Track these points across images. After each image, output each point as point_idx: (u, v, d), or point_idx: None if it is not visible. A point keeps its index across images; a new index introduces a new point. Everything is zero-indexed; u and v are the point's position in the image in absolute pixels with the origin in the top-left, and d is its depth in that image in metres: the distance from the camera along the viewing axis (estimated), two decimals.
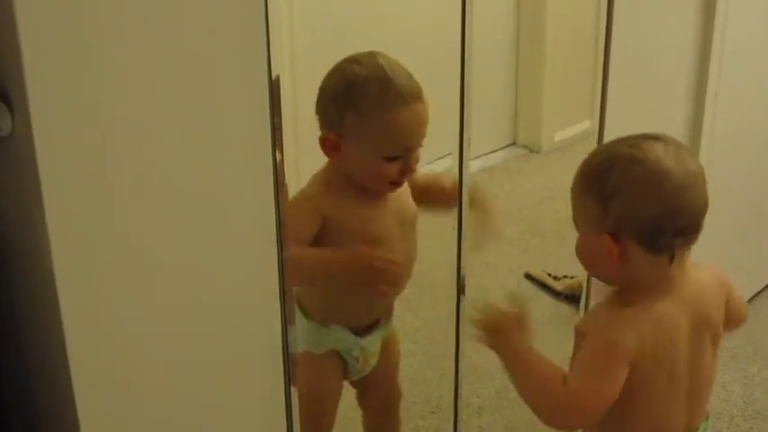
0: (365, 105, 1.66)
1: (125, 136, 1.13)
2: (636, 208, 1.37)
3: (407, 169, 1.72)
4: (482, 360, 2.51)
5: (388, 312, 1.95)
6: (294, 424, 1.45)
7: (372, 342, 1.93)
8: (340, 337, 1.88)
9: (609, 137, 1.89)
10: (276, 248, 1.33)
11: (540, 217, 3.25)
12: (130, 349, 1.22)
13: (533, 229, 3.20)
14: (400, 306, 1.98)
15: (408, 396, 2.15)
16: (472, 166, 2.63)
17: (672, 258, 1.40)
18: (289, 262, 1.45)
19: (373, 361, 1.97)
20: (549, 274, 2.94)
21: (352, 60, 1.69)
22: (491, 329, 1.51)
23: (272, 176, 1.29)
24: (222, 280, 1.29)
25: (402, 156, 1.70)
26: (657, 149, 1.38)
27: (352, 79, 1.67)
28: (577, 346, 1.46)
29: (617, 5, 1.87)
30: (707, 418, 1.55)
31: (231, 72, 1.21)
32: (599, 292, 1.55)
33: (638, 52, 2.01)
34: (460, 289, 1.80)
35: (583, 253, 1.46)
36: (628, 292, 1.44)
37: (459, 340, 1.86)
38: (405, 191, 1.84)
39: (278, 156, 1.28)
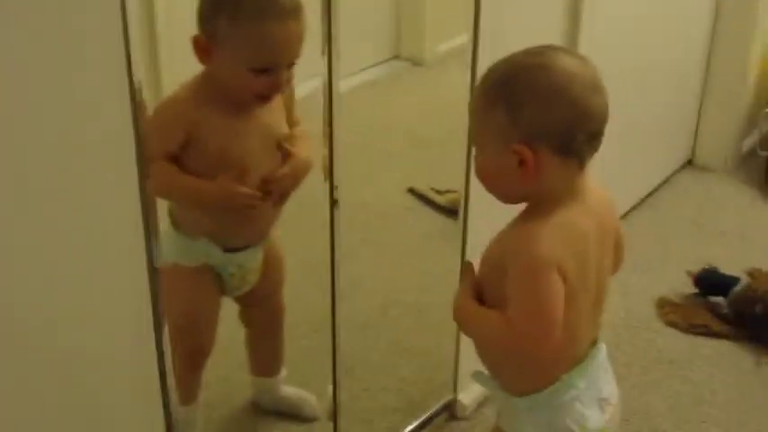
0: (238, 13, 1.62)
1: None
2: (548, 113, 1.34)
3: (275, 86, 1.70)
4: (365, 275, 2.53)
5: (263, 233, 1.91)
6: (164, 339, 1.41)
7: (248, 259, 1.91)
8: (210, 252, 1.85)
9: (485, 48, 1.88)
10: (136, 165, 1.27)
11: (423, 131, 3.22)
12: None
13: (417, 144, 3.18)
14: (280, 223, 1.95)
15: (290, 315, 2.13)
16: (355, 79, 2.60)
17: (582, 164, 1.39)
18: (153, 176, 1.39)
19: (252, 278, 1.94)
20: (433, 189, 2.94)
21: None
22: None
23: (127, 86, 1.22)
24: (79, 192, 1.22)
25: (271, 70, 1.67)
26: (561, 57, 1.37)
27: None
28: (493, 274, 1.43)
29: None
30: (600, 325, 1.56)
31: None
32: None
33: None
34: (333, 202, 1.77)
35: (487, 170, 1.42)
36: (538, 206, 1.40)
37: (335, 255, 1.83)
38: (279, 111, 1.82)
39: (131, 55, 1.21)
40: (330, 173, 1.75)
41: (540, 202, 1.40)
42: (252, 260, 1.91)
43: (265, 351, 2.16)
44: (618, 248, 1.53)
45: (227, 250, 1.85)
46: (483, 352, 1.52)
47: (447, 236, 2.24)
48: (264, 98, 1.72)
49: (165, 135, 1.69)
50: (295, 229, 2.12)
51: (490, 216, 2.04)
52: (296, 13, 1.65)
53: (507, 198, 1.43)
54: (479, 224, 2.05)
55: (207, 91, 1.72)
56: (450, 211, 2.78)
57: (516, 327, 1.34)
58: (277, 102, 1.79)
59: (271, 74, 1.67)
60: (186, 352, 1.88)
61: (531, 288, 1.34)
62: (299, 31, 1.67)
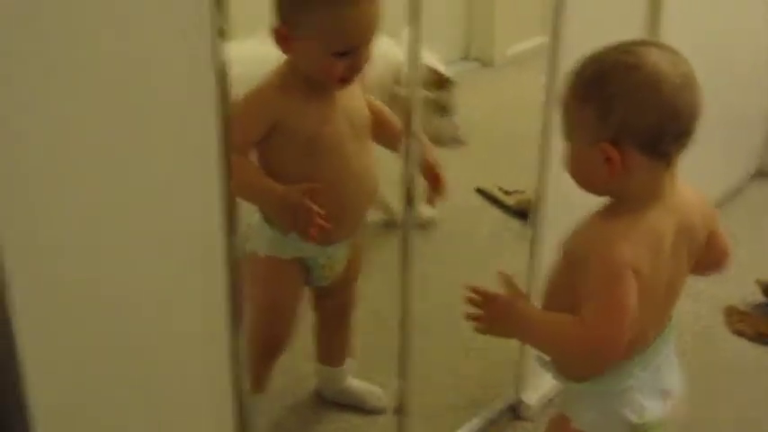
0: (317, 0, 1.66)
1: None
2: (637, 113, 1.33)
3: (356, 66, 1.73)
4: (433, 273, 2.53)
5: (354, 228, 1.93)
6: (239, 328, 1.42)
7: (339, 250, 1.92)
8: (303, 246, 1.85)
9: (565, 51, 1.86)
10: (218, 160, 1.28)
11: (492, 132, 3.21)
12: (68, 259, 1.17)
13: (485, 144, 3.17)
14: None
15: (360, 309, 2.14)
16: None
17: (669, 164, 1.39)
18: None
19: (340, 268, 1.96)
20: (501, 189, 2.93)
21: None
22: (491, 318, 1.48)
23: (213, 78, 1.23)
24: (159, 188, 1.23)
25: (350, 52, 1.70)
26: (652, 54, 1.35)
27: None
28: (569, 269, 1.43)
29: None
30: (670, 319, 1.54)
31: None
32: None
33: None
34: (409, 200, 1.77)
35: (577, 165, 1.43)
36: (621, 203, 1.41)
37: (407, 252, 1.83)
38: (357, 95, 1.84)
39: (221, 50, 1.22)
40: (406, 171, 1.75)
41: (623, 200, 1.40)
42: (342, 251, 1.93)
43: (334, 340, 2.17)
44: (712, 247, 1.52)
45: (322, 243, 1.86)
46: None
47: (513, 236, 2.24)
48: (347, 80, 1.75)
49: (251, 125, 1.72)
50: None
51: (562, 220, 2.03)
52: None
53: (592, 191, 1.43)
54: (551, 227, 2.03)
55: (291, 79, 1.75)
56: (517, 212, 2.78)
57: (591, 328, 1.34)
58: (356, 86, 1.82)
59: (351, 55, 1.70)
60: (264, 342, 1.92)
61: (610, 290, 1.34)
62: (374, 12, 1.70)
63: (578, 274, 1.37)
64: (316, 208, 1.72)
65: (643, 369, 1.47)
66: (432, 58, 2.59)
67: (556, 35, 1.88)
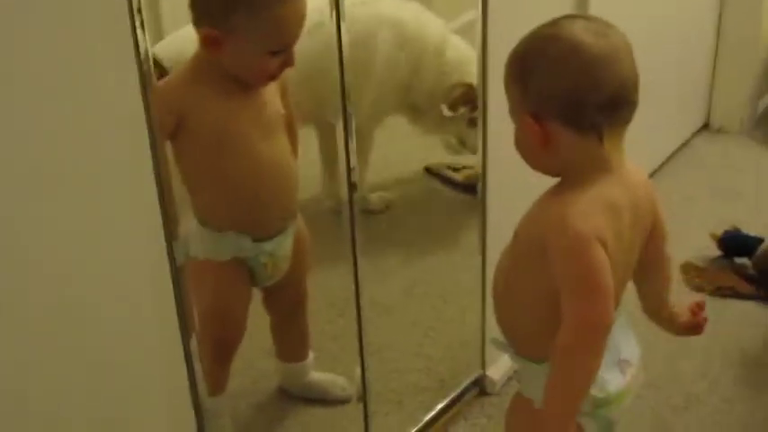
0: (252, 2, 1.67)
1: None
2: (551, 83, 1.32)
3: (288, 63, 1.75)
4: (387, 257, 2.52)
5: (290, 216, 1.91)
6: (190, 333, 1.42)
7: (279, 246, 1.90)
8: (240, 245, 1.85)
9: (494, 26, 1.87)
10: (151, 162, 1.27)
11: None
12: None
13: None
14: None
15: (316, 300, 2.13)
16: None
17: (600, 137, 1.35)
18: None
19: (284, 266, 1.94)
20: (449, 167, 2.92)
21: None
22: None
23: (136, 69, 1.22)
24: (94, 197, 1.22)
25: (283, 51, 1.72)
26: (575, 25, 1.34)
27: None
28: (529, 254, 1.39)
29: None
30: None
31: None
32: None
33: None
34: (352, 185, 1.77)
35: (516, 141, 1.41)
36: (566, 180, 1.39)
37: (355, 237, 1.83)
38: (272, 91, 1.84)
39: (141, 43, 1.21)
40: (346, 156, 1.75)
41: (568, 177, 1.38)
42: (283, 247, 1.91)
43: (292, 337, 2.15)
44: (656, 237, 1.49)
45: (257, 240, 1.85)
46: (504, 320, 1.50)
47: (466, 212, 2.23)
48: (275, 77, 1.77)
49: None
50: (315, 215, 2.11)
51: (508, 189, 2.03)
52: None
53: (535, 167, 1.42)
54: (498, 198, 2.03)
55: (202, 75, 1.74)
56: (468, 188, 2.77)
57: (578, 327, 1.32)
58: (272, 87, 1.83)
59: (284, 53, 1.72)
60: (216, 344, 1.89)
61: (582, 273, 1.31)
62: (304, 9, 1.72)
63: (537, 258, 1.36)
64: None
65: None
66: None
67: (485, 10, 1.88)
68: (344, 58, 1.69)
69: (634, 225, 1.41)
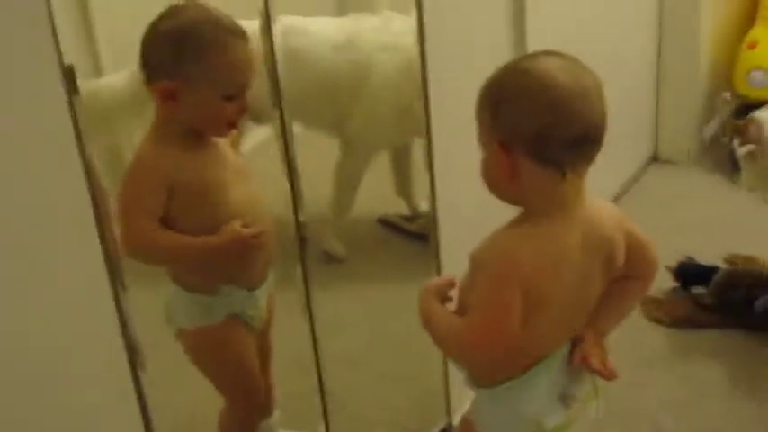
0: (202, 47, 1.68)
1: None
2: (519, 116, 1.36)
3: (243, 109, 1.74)
4: (346, 310, 2.53)
5: (266, 268, 1.92)
6: (150, 414, 1.42)
7: (262, 296, 1.91)
8: (232, 300, 1.85)
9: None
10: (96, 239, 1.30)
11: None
12: None
13: (379, 174, 3.18)
14: None
15: (279, 358, 2.12)
16: None
17: (563, 174, 1.39)
18: (155, 248, 1.66)
19: (264, 315, 1.95)
20: (402, 216, 2.94)
21: (176, 10, 1.70)
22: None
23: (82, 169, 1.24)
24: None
25: (238, 96, 1.73)
26: (549, 62, 1.38)
27: (182, 25, 1.68)
28: (473, 275, 1.45)
29: None
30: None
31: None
32: None
33: None
34: (302, 240, 1.80)
35: (483, 170, 1.45)
36: (526, 214, 1.44)
37: (309, 292, 1.84)
38: (227, 143, 1.85)
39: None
40: (295, 210, 1.77)
41: (528, 210, 1.43)
42: (264, 297, 1.92)
43: None
44: (637, 259, 1.54)
45: (251, 289, 1.87)
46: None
47: (422, 261, 2.25)
48: (235, 124, 1.76)
49: (150, 203, 1.70)
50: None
51: (461, 235, 2.06)
52: (245, 34, 1.72)
53: (498, 196, 1.46)
54: (451, 245, 2.05)
55: (166, 138, 1.74)
56: (423, 237, 2.79)
57: (468, 331, 1.40)
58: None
59: (239, 98, 1.73)
60: (247, 411, 1.95)
61: (489, 301, 1.38)
62: (254, 50, 1.74)
63: (474, 281, 1.41)
64: (246, 231, 1.75)
65: (541, 376, 1.49)
66: None
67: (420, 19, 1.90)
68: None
69: (588, 264, 1.45)
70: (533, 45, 2.22)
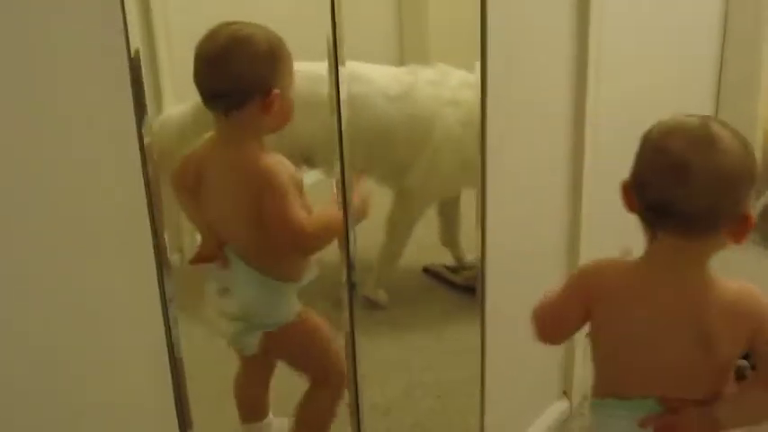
0: (286, 56, 1.82)
1: None
2: (636, 163, 1.48)
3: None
4: (386, 358, 2.54)
5: None
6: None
7: None
8: (305, 284, 1.95)
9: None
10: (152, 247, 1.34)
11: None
12: None
13: (426, 223, 3.21)
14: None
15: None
16: None
17: (652, 230, 1.49)
18: (324, 228, 1.83)
19: None
20: (447, 267, 2.96)
21: (237, 30, 1.80)
22: None
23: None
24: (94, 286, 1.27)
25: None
26: (688, 126, 1.47)
27: (269, 40, 1.80)
28: None
29: None
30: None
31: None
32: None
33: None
34: (351, 285, 1.82)
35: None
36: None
37: (354, 337, 1.86)
38: None
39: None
40: (347, 255, 1.79)
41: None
42: None
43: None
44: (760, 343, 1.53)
45: None
46: None
47: (465, 313, 2.26)
48: None
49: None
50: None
51: (508, 290, 2.07)
52: None
53: None
54: (496, 298, 2.07)
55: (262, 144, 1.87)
56: (467, 289, 2.80)
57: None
58: None
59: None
60: (339, 388, 2.02)
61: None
62: None
63: None
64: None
65: (617, 414, 1.59)
66: None
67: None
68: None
69: (668, 327, 1.52)
70: (594, 104, 2.24)
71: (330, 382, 2.02)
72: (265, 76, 1.79)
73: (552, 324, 1.63)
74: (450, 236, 3.00)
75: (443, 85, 2.68)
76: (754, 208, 1.48)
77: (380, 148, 2.66)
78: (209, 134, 1.89)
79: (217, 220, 1.91)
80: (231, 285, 1.92)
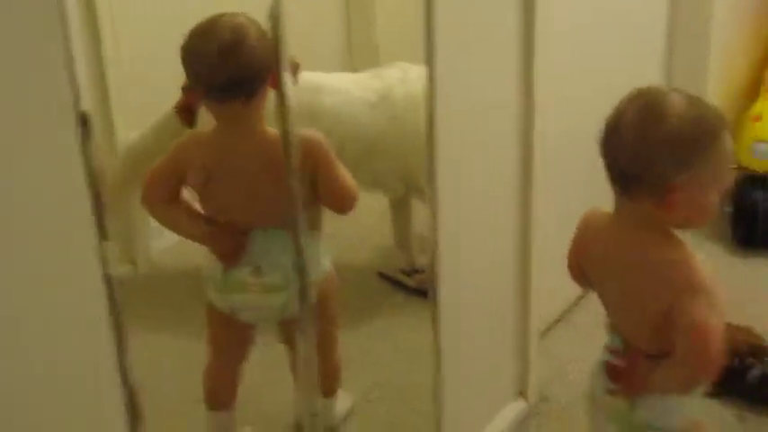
0: None
1: None
2: None
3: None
4: (344, 362, 2.55)
5: None
6: None
7: None
8: None
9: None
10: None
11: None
12: None
13: (381, 227, 3.22)
14: None
15: (274, 413, 2.15)
16: None
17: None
18: None
19: None
20: (402, 271, 2.97)
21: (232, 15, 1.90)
22: None
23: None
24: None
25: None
26: (647, 94, 1.56)
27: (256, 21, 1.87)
28: None
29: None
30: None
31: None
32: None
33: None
34: (306, 292, 1.84)
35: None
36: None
37: (308, 342, 1.88)
38: None
39: None
40: (300, 260, 1.81)
41: None
42: None
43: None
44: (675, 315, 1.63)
45: None
46: None
47: (420, 315, 2.27)
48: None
49: None
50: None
51: (461, 292, 2.09)
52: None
53: None
54: (451, 301, 2.08)
55: None
56: (421, 292, 2.82)
57: None
58: None
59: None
60: None
61: None
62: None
63: None
64: None
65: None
66: None
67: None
68: None
69: (626, 275, 1.66)
70: (543, 106, 2.26)
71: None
72: (270, 56, 1.81)
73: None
74: (402, 238, 3.03)
75: (411, 81, 2.75)
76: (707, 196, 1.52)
77: (374, 157, 2.75)
78: (189, 135, 1.93)
79: (242, 205, 1.98)
80: (265, 262, 1.99)
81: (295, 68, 1.82)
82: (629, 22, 2.97)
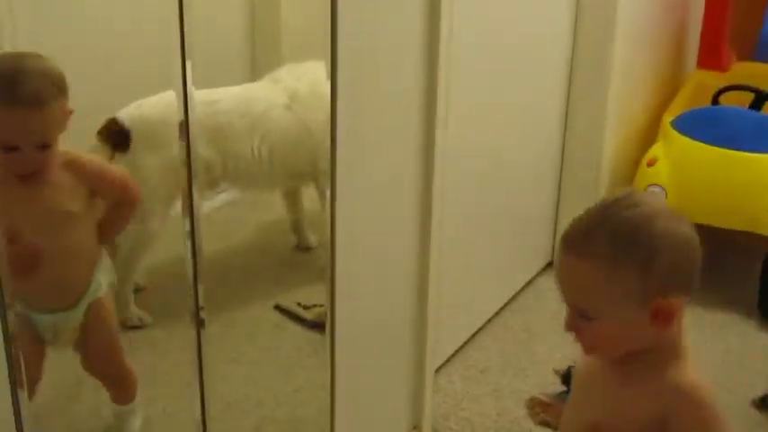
0: None
1: None
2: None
3: (21, 163, 1.93)
4: (236, 395, 2.56)
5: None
6: None
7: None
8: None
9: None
10: None
11: (287, 246, 3.30)
12: None
13: (280, 259, 3.25)
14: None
15: None
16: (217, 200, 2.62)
17: None
18: None
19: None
20: (299, 304, 3.00)
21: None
22: None
23: None
24: None
25: (18, 149, 1.90)
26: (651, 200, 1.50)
27: None
28: None
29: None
30: None
31: None
32: None
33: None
34: (200, 323, 1.85)
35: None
36: None
37: (203, 376, 1.88)
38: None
39: None
40: (195, 293, 1.82)
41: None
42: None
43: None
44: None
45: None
46: None
47: (316, 349, 2.30)
48: (20, 175, 1.96)
49: None
50: (164, 351, 2.15)
51: (357, 327, 2.12)
52: (39, 103, 1.89)
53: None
54: (347, 335, 2.11)
55: None
56: (318, 326, 2.85)
57: None
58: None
59: (18, 152, 1.91)
60: None
61: None
62: (40, 118, 1.90)
63: None
64: None
65: None
66: None
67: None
68: None
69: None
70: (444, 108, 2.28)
71: None
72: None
73: None
74: (296, 221, 3.34)
75: (306, 79, 2.96)
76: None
77: (300, 157, 2.95)
78: None
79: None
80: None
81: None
82: (535, 32, 3.07)
